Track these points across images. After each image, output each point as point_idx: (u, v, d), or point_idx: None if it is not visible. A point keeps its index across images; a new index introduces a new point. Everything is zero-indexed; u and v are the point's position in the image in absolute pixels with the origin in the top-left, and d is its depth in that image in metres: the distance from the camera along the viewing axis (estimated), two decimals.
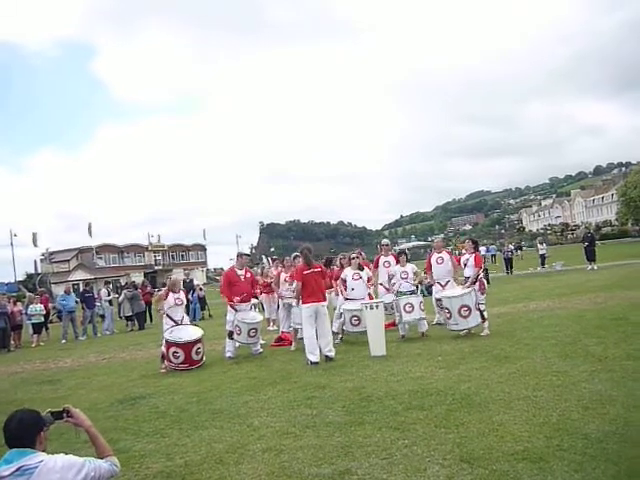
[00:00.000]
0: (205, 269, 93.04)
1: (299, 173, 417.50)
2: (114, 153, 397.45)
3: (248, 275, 10.86)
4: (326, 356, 8.97)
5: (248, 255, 11.41)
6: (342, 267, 11.68)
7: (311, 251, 9.62)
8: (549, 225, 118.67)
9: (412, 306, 10.33)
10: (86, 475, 2.92)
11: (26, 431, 2.93)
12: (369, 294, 11.11)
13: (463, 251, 11.08)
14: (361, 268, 11.12)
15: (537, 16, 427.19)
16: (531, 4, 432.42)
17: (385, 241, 13.05)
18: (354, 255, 11.48)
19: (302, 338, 11.09)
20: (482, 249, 51.83)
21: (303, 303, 9.21)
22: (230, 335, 10.42)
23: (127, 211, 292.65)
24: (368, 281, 11.11)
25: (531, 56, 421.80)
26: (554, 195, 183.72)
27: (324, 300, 9.30)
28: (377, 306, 9.37)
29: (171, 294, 10.33)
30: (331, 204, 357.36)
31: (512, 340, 8.92)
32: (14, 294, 34.40)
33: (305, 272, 9.19)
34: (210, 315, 22.70)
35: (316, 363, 8.76)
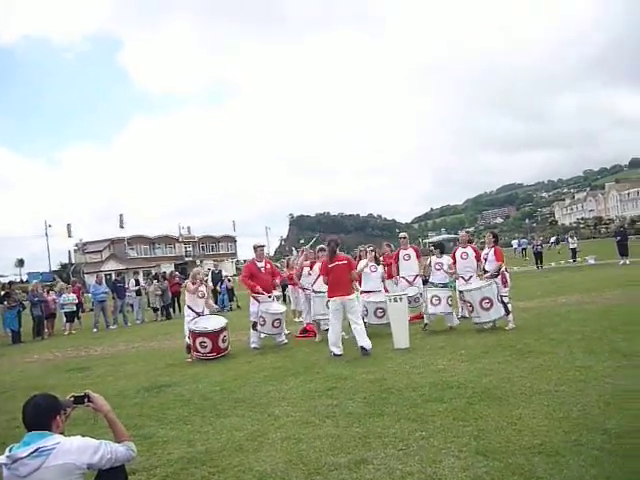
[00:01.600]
0: (235, 260, 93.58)
1: (329, 165, 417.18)
2: (144, 145, 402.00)
3: (268, 266, 10.95)
4: (362, 347, 8.75)
5: (263, 246, 11.43)
6: (360, 259, 11.74)
7: (338, 244, 9.46)
8: (582, 219, 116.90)
9: (439, 299, 10.36)
10: (102, 457, 3.02)
11: (42, 415, 3.03)
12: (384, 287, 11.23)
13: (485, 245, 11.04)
14: (378, 261, 11.18)
15: (570, 1, 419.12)
16: None
17: (402, 234, 12.99)
18: (370, 248, 11.54)
19: (327, 330, 11.20)
20: (514, 242, 51.55)
21: (329, 297, 9.15)
22: (254, 326, 10.53)
23: (158, 203, 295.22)
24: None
25: (564, 44, 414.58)
26: (588, 188, 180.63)
27: (351, 293, 9.12)
28: (401, 299, 9.37)
29: (193, 286, 10.45)
30: (361, 196, 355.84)
31: (537, 334, 8.85)
32: (48, 283, 35.18)
33: (329, 265, 9.11)
34: (238, 306, 22.85)
35: (339, 355, 8.75)
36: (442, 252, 11.42)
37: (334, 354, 8.81)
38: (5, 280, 57.79)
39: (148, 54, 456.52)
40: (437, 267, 11.07)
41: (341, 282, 9.03)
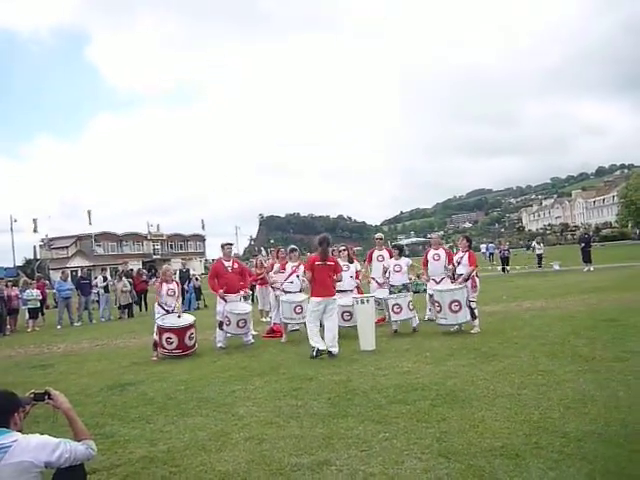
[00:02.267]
0: (204, 259, 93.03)
1: (300, 166, 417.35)
2: (113, 141, 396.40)
3: (236, 266, 10.87)
4: (329, 352, 8.65)
5: (231, 244, 11.27)
6: None
7: (329, 242, 9.26)
8: (549, 225, 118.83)
9: (400, 307, 10.38)
10: (60, 455, 2.96)
11: (0, 411, 2.97)
12: (357, 287, 11.22)
13: (455, 249, 11.13)
14: (351, 261, 11.22)
15: (539, 14, 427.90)
16: (533, 2, 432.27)
17: (379, 235, 13.08)
18: (342, 248, 11.55)
19: (295, 330, 11.19)
20: (482, 247, 52.16)
21: (312, 296, 9.01)
22: (220, 325, 10.48)
23: (127, 200, 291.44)
24: (356, 275, 11.23)
25: (534, 54, 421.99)
26: (555, 195, 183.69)
27: (333, 294, 9.03)
28: (368, 301, 9.40)
29: (164, 284, 10.38)
30: (331, 198, 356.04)
31: (502, 338, 8.96)
32: (12, 279, 34.47)
33: (317, 263, 8.94)
34: (205, 305, 22.72)
35: (321, 351, 8.55)
36: (401, 254, 11.45)
37: (318, 349, 8.58)
38: None
39: (118, 50, 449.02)
40: (396, 269, 11.06)
41: (326, 282, 8.93)
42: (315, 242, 9.35)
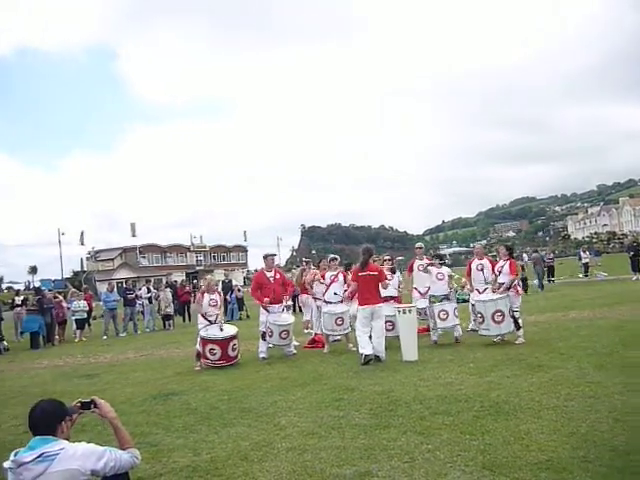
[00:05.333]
0: (246, 270, 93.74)
1: (340, 177, 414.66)
2: (151, 155, 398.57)
3: (277, 276, 10.92)
4: (376, 356, 8.92)
5: (274, 255, 11.36)
6: None
7: (371, 253, 9.56)
8: (595, 233, 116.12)
9: (447, 313, 10.30)
10: (106, 464, 3.02)
11: (48, 420, 3.05)
12: (397, 296, 11.19)
13: (497, 258, 10.97)
14: (393, 271, 11.18)
15: (570, 17, 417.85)
16: (562, 4, 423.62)
17: (419, 244, 12.98)
18: (387, 257, 11.56)
19: (336, 341, 11.21)
20: (525, 256, 51.31)
21: (358, 305, 9.32)
22: (263, 336, 10.54)
23: (167, 211, 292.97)
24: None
25: (565, 58, 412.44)
26: (601, 203, 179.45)
27: (380, 302, 9.27)
28: (410, 311, 9.36)
29: (206, 295, 10.49)
30: (372, 209, 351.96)
31: (547, 349, 8.78)
32: (60, 290, 35.30)
33: (360, 274, 9.23)
34: (248, 316, 22.87)
35: (369, 356, 8.79)
36: (442, 263, 11.36)
37: (365, 355, 8.82)
38: (18, 287, 58.38)
39: (145, 65, 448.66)
40: (439, 277, 10.89)
41: (370, 292, 9.19)
42: (361, 251, 9.59)
